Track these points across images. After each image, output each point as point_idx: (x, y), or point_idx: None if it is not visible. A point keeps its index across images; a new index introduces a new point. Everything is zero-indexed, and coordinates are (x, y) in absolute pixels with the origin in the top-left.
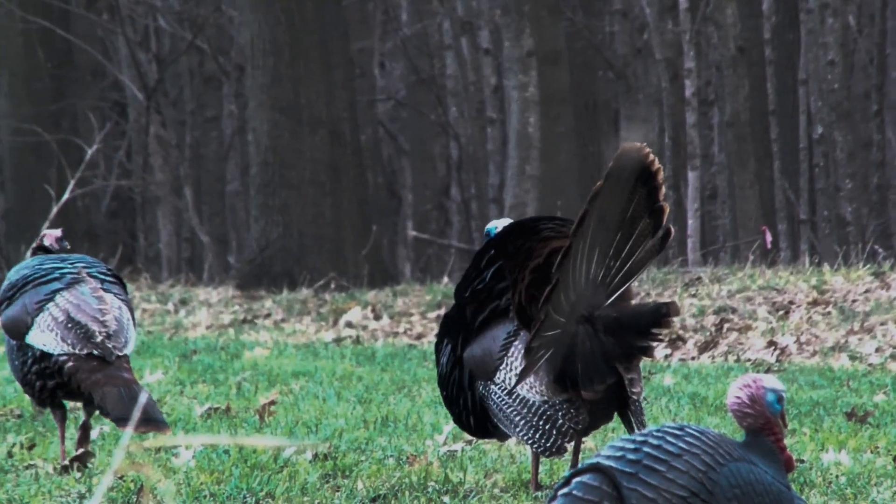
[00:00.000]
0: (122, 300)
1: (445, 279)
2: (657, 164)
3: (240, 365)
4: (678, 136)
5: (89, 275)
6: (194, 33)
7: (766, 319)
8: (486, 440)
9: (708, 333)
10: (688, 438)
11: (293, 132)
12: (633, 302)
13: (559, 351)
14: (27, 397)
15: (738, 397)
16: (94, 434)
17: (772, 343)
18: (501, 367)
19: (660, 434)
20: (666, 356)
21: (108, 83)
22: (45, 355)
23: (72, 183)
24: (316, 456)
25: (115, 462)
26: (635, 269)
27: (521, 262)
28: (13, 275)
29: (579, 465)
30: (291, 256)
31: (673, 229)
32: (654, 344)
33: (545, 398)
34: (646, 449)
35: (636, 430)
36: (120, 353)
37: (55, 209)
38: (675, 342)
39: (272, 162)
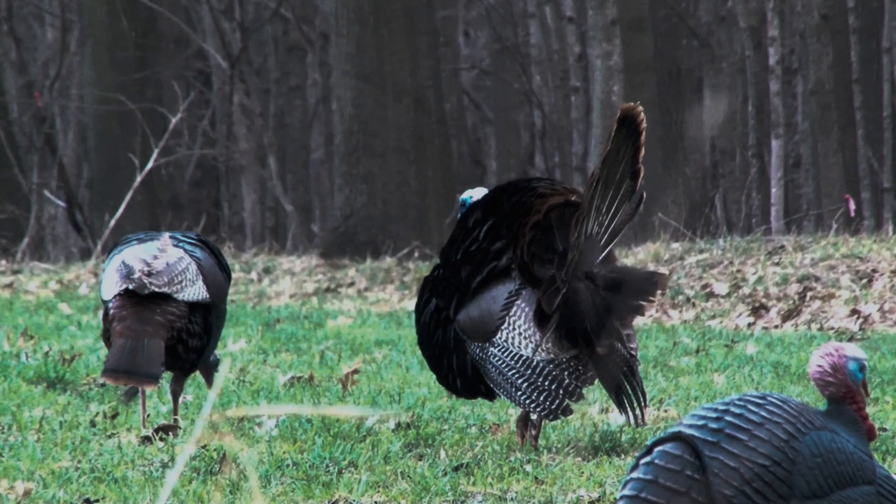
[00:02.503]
0: (196, 258)
1: None
2: (644, 125)
3: (323, 334)
4: (762, 104)
5: (171, 237)
6: (278, 2)
7: (849, 288)
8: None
9: (791, 302)
10: (770, 407)
11: (377, 101)
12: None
13: (567, 308)
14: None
15: (821, 366)
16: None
17: (855, 311)
18: (503, 328)
19: (741, 403)
20: (749, 325)
21: (192, 52)
22: (107, 307)
23: (156, 152)
24: (398, 425)
25: (197, 431)
26: (619, 230)
27: (520, 217)
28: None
29: (661, 434)
30: (375, 225)
31: (644, 195)
32: (647, 304)
33: (551, 356)
34: (728, 418)
35: (638, 389)
36: (157, 289)
37: (139, 178)
38: (759, 311)
39: (356, 130)
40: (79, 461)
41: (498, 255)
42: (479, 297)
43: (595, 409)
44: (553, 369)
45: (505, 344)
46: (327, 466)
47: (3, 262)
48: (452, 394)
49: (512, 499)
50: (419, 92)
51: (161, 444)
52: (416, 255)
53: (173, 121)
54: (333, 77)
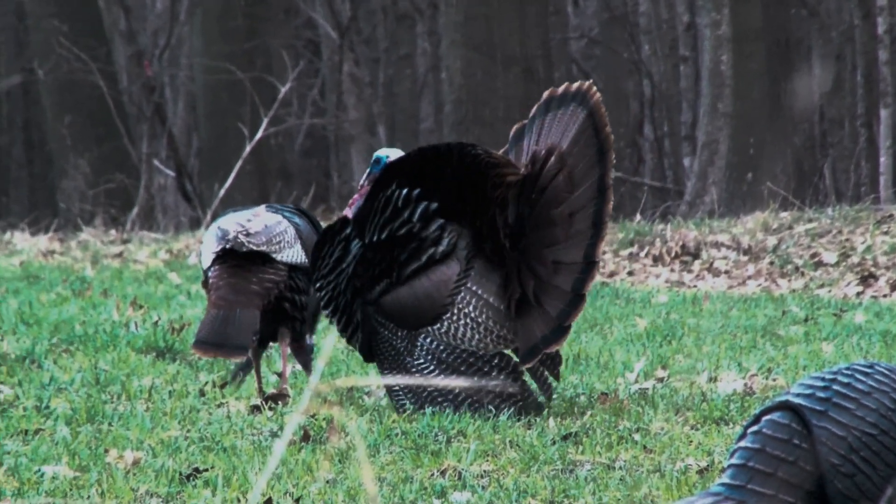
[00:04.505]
0: (294, 223)
1: (638, 217)
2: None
3: None
4: (870, 73)
5: (267, 206)
6: None
7: None
8: None
9: None
10: (877, 376)
11: (487, 70)
12: None
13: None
14: None
15: None
16: (287, 371)
17: None
18: (446, 317)
19: (849, 372)
20: (858, 294)
21: (301, 21)
22: (206, 276)
23: (265, 121)
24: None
25: (304, 400)
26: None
27: (475, 191)
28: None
29: (769, 403)
30: None
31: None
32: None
33: (501, 347)
34: (835, 387)
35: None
36: (256, 248)
37: (248, 148)
38: (867, 280)
39: (466, 100)
40: (188, 430)
41: (437, 240)
42: (414, 284)
43: (703, 377)
44: (500, 361)
45: (447, 334)
46: (436, 435)
47: (113, 231)
48: (351, 347)
49: (620, 467)
50: (528, 61)
51: (270, 413)
52: None
53: (282, 90)
54: (443, 46)
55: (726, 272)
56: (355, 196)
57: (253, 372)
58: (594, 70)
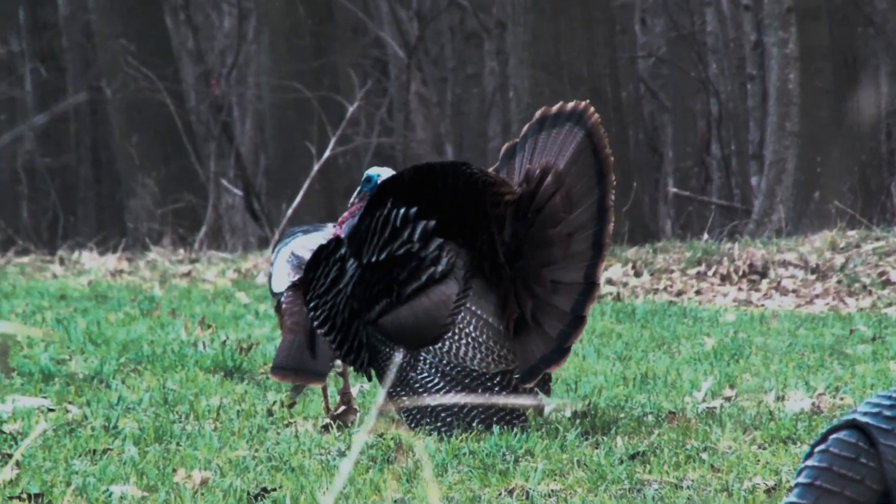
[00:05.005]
0: None
1: (706, 236)
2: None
3: None
4: None
5: (334, 225)
6: None
7: None
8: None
9: None
10: None
11: (554, 89)
12: None
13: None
14: None
15: None
16: (353, 391)
17: None
18: (447, 337)
19: None
20: None
21: (369, 40)
22: (279, 300)
23: (333, 140)
24: (575, 413)
25: (370, 420)
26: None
27: (472, 210)
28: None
29: (836, 422)
30: None
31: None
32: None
33: (503, 367)
34: None
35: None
36: None
37: (316, 166)
38: None
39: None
40: (256, 450)
41: (436, 259)
42: (414, 303)
43: (771, 396)
44: (502, 380)
45: (448, 354)
46: (504, 455)
47: (181, 251)
48: (348, 364)
49: (688, 487)
50: (596, 80)
51: (338, 433)
52: None
53: (350, 109)
54: (510, 65)
55: (794, 291)
56: (345, 214)
57: (320, 391)
58: (662, 89)
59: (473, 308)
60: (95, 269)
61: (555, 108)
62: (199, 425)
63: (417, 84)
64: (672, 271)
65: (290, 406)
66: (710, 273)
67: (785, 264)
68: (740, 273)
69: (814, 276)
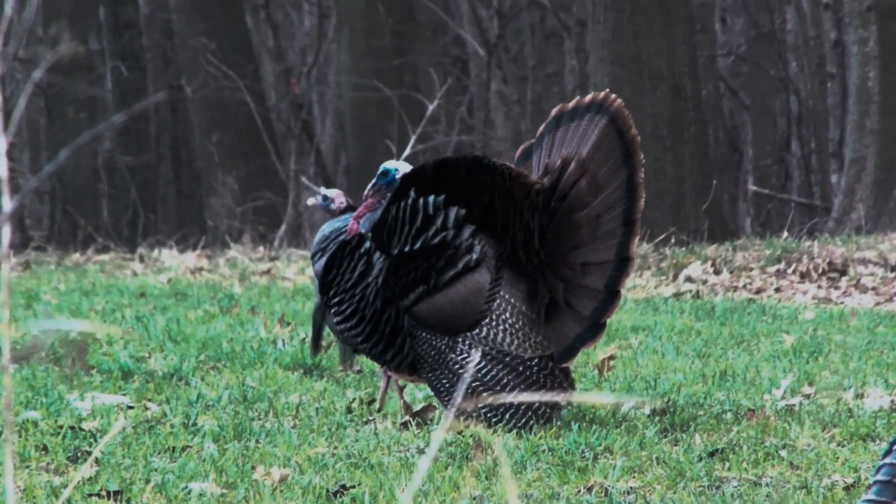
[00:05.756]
0: None
1: (785, 233)
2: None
3: None
4: None
5: None
6: None
7: None
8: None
9: None
10: None
11: (634, 87)
12: None
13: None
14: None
15: None
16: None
17: None
18: (484, 323)
19: None
20: None
21: (449, 39)
22: None
23: (413, 138)
24: (654, 411)
25: (448, 418)
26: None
27: (500, 200)
28: (326, 227)
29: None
30: None
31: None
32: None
33: (539, 352)
34: None
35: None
36: None
37: None
38: None
39: None
40: (335, 447)
41: (470, 247)
42: (450, 290)
43: (850, 394)
44: (539, 365)
45: (486, 339)
46: (583, 452)
47: (261, 248)
48: (387, 369)
49: (767, 484)
50: (676, 78)
51: (418, 430)
52: (673, 241)
53: (430, 107)
54: (590, 64)
55: (873, 289)
56: (361, 208)
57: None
58: (742, 87)
59: (507, 297)
60: (175, 267)
61: (571, 103)
62: (279, 422)
63: (497, 82)
64: (751, 269)
65: (370, 403)
66: (789, 271)
67: (864, 262)
68: (820, 271)
69: (893, 274)
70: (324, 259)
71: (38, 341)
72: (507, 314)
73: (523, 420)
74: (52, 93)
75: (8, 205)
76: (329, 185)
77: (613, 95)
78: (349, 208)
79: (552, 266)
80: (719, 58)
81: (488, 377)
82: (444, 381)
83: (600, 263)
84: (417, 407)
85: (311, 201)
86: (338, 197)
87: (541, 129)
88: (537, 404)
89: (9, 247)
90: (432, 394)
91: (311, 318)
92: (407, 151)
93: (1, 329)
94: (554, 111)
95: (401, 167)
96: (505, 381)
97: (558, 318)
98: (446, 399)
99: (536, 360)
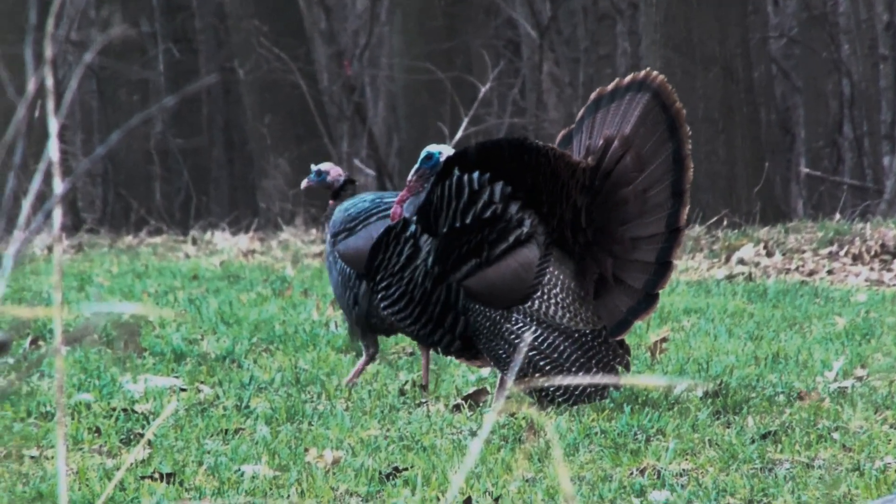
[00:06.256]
0: None
1: (837, 216)
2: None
3: None
4: None
5: None
6: None
7: None
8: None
9: None
10: None
11: (686, 70)
12: None
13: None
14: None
15: None
16: (484, 371)
17: None
18: (535, 297)
19: None
20: None
21: (501, 21)
22: None
23: (465, 121)
24: (706, 393)
25: (499, 400)
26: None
27: (546, 178)
28: (350, 207)
29: None
30: None
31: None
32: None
33: (591, 326)
34: None
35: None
36: None
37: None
38: None
39: None
40: (387, 430)
41: (520, 221)
42: (501, 264)
43: None
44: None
45: (538, 312)
46: (635, 434)
47: (314, 231)
48: (436, 350)
49: (819, 466)
50: (727, 61)
51: (470, 412)
52: (725, 223)
53: (482, 90)
54: (642, 46)
55: None
56: (403, 192)
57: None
58: (794, 70)
59: (556, 272)
60: (227, 250)
61: (610, 85)
62: (331, 405)
63: (550, 64)
64: (804, 251)
65: (423, 386)
66: (841, 253)
67: None
68: (872, 253)
69: None
70: (350, 239)
71: (90, 324)
72: (558, 289)
73: (578, 391)
74: (104, 75)
75: (60, 187)
76: (382, 168)
77: (655, 72)
78: (349, 181)
79: (599, 243)
80: (771, 40)
81: (545, 345)
82: (501, 351)
83: (650, 236)
84: (469, 390)
85: (303, 184)
86: (332, 169)
87: (580, 113)
88: (593, 371)
89: (61, 229)
90: (485, 376)
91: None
92: (459, 134)
93: (53, 312)
94: (592, 95)
95: (444, 150)
96: (562, 348)
97: (608, 294)
98: (505, 369)
99: (591, 329)
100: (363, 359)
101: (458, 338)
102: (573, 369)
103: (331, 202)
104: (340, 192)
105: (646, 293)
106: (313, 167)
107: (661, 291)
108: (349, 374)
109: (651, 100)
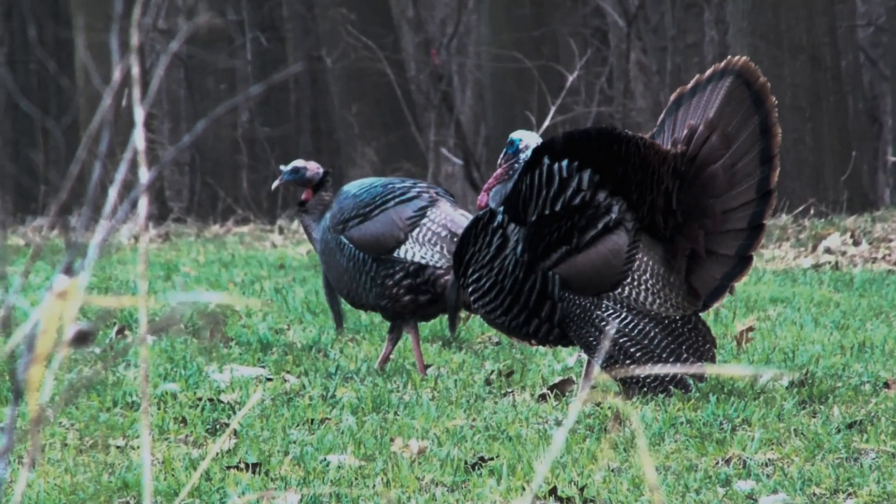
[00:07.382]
0: None
1: None
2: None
3: None
4: None
5: (437, 194)
6: None
7: None
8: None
9: None
10: None
11: (773, 58)
12: None
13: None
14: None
15: None
16: (570, 360)
17: None
18: (625, 283)
19: None
20: None
21: (589, 9)
22: (420, 269)
23: (552, 109)
24: (792, 382)
25: (585, 389)
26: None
27: (636, 167)
28: (361, 193)
29: None
30: None
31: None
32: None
33: (680, 312)
34: None
35: None
36: None
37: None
38: None
39: None
40: (473, 419)
41: (609, 207)
42: (591, 251)
43: None
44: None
45: (628, 299)
46: (721, 424)
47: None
48: (524, 341)
49: None
50: (815, 49)
51: (555, 401)
52: (812, 212)
53: (570, 78)
54: (730, 34)
55: None
56: (490, 181)
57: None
58: (881, 58)
59: (645, 258)
60: None
61: (690, 83)
62: (417, 395)
63: (637, 53)
64: (891, 240)
65: (508, 375)
66: None
67: None
68: None
69: None
70: (367, 224)
71: (176, 313)
72: (647, 275)
73: (668, 378)
74: (191, 64)
75: (146, 176)
76: (469, 156)
77: (737, 57)
78: (327, 174)
79: (691, 221)
80: (859, 28)
81: (635, 331)
82: (591, 338)
83: (742, 205)
84: (555, 379)
85: (275, 184)
86: (309, 164)
87: (661, 116)
88: (683, 357)
89: (147, 218)
90: (570, 366)
91: (324, 290)
92: (546, 123)
93: (139, 301)
94: (673, 96)
95: (524, 136)
96: (652, 334)
97: (701, 266)
98: (595, 355)
99: (680, 315)
100: (388, 345)
101: (556, 326)
102: (663, 356)
103: (304, 196)
104: (322, 184)
105: (739, 257)
106: (283, 167)
107: (753, 254)
108: (379, 358)
109: (734, 81)
